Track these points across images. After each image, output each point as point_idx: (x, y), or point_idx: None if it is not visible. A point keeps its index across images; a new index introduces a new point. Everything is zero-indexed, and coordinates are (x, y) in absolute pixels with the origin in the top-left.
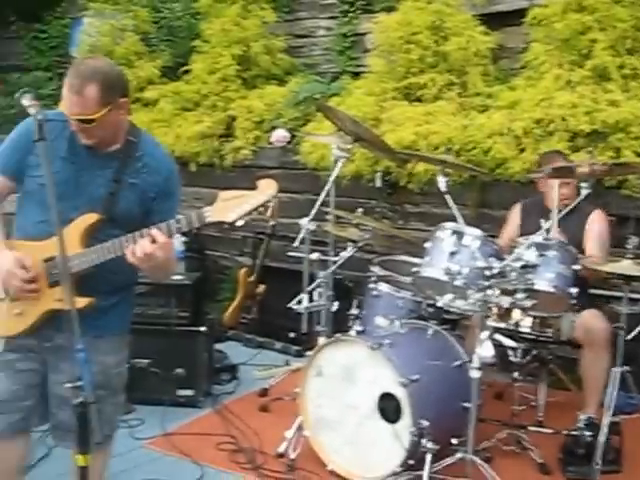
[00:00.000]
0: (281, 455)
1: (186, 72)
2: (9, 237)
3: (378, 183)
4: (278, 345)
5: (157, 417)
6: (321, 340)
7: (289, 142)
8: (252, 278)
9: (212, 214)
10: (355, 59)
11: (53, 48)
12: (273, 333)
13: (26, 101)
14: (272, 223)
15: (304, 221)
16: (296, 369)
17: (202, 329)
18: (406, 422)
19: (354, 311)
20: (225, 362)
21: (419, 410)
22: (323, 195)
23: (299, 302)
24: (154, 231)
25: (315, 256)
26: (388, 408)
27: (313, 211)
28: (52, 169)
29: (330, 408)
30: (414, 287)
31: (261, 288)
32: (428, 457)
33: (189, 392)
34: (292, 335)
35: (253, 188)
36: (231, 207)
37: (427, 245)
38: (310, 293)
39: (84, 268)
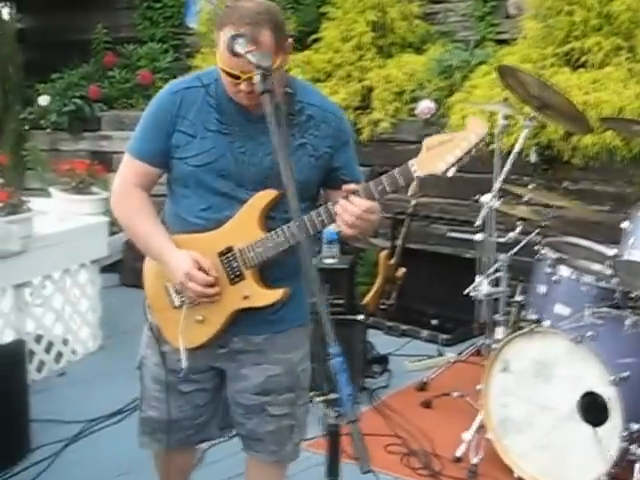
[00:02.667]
0: (459, 459)
1: (315, 41)
2: None
3: (533, 158)
4: (424, 333)
5: (313, 415)
6: (499, 331)
7: (433, 114)
8: (392, 261)
9: (419, 167)
10: (496, 25)
11: (168, 19)
12: (413, 320)
13: (240, 48)
14: (413, 202)
15: (486, 198)
16: (455, 361)
17: (359, 317)
18: (614, 425)
19: (518, 297)
20: (373, 353)
21: (630, 412)
22: (506, 170)
23: (476, 288)
24: (356, 200)
25: (480, 237)
26: (590, 409)
27: (496, 186)
28: (205, 146)
29: (518, 408)
30: (613, 273)
31: (401, 272)
32: (637, 466)
33: None
34: (434, 322)
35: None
36: (440, 155)
37: (625, 226)
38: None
39: (272, 255)
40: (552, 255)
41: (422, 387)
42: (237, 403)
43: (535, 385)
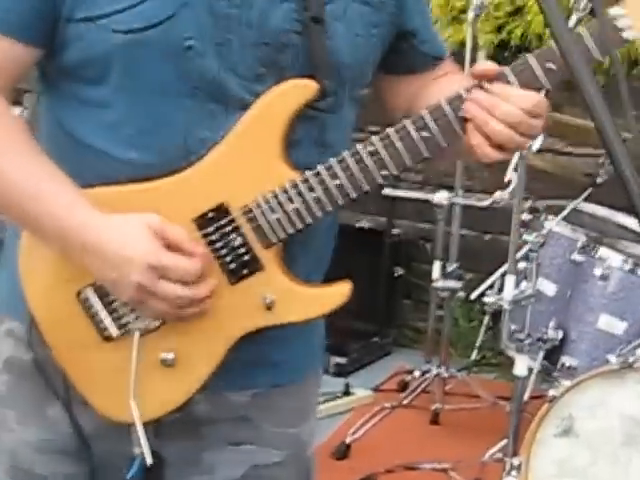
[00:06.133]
0: None
1: None
2: None
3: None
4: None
5: None
6: (521, 361)
7: None
8: None
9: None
10: None
11: None
12: None
13: None
14: None
15: None
16: (391, 407)
17: None
18: None
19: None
20: None
21: None
22: None
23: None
24: (512, 91)
25: (445, 198)
26: None
27: None
28: None
29: None
30: None
31: None
32: None
33: None
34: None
35: None
36: None
37: None
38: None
39: (319, 217)
40: (571, 232)
41: (344, 453)
42: None
43: (624, 457)
